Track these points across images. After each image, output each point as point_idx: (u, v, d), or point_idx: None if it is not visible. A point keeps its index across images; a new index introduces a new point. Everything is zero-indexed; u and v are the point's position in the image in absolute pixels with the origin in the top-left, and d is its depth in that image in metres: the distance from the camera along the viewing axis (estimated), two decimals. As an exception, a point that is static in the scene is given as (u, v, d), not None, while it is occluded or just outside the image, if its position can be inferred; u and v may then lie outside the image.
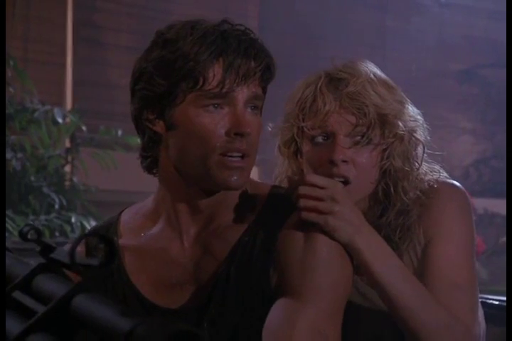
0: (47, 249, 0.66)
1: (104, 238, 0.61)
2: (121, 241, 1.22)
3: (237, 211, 1.19)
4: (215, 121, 1.12)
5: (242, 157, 1.13)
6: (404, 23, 7.41)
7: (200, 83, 1.11)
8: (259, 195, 1.20)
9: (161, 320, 0.52)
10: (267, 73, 1.15)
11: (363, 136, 1.33)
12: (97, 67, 5.71)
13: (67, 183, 3.98)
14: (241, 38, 1.13)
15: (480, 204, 5.82)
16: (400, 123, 1.35)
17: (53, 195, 3.77)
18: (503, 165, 8.11)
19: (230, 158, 1.12)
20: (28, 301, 0.63)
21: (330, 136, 1.33)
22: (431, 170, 1.39)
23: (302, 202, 1.14)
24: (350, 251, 1.15)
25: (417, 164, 1.37)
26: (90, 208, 3.95)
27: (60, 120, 3.85)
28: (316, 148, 1.34)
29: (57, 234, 3.66)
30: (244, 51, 1.12)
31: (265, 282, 1.11)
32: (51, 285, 0.63)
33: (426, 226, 1.33)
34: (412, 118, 1.37)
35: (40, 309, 0.60)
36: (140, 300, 1.17)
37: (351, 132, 1.32)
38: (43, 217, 3.67)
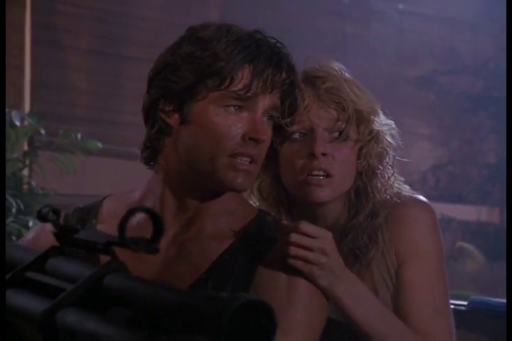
0: (64, 232, 0.65)
1: (152, 213, 0.60)
2: (99, 227, 1.22)
3: (221, 224, 1.19)
4: (232, 123, 1.14)
5: (250, 162, 1.14)
6: (364, 29, 7.48)
7: (227, 83, 1.13)
8: (246, 215, 1.20)
9: (216, 292, 0.52)
10: (290, 88, 1.18)
11: (341, 133, 1.34)
12: (56, 70, 5.66)
13: (24, 187, 3.94)
14: (274, 50, 1.16)
15: (437, 209, 5.87)
16: (376, 120, 1.37)
17: (11, 199, 3.72)
18: (459, 170, 8.23)
19: (238, 161, 1.13)
20: (50, 280, 0.62)
21: (308, 132, 1.33)
22: (398, 183, 1.40)
23: (292, 251, 1.14)
24: (329, 296, 1.17)
25: (390, 167, 1.39)
26: (48, 212, 3.90)
27: (17, 123, 3.80)
28: (294, 145, 1.34)
29: (14, 238, 3.62)
30: (276, 62, 1.15)
31: None
32: (72, 266, 0.62)
33: (398, 247, 1.34)
34: (383, 122, 1.40)
35: (68, 286, 0.59)
36: None
37: (331, 127, 1.33)
38: (-1, 221, 3.62)
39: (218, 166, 1.13)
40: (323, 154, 1.32)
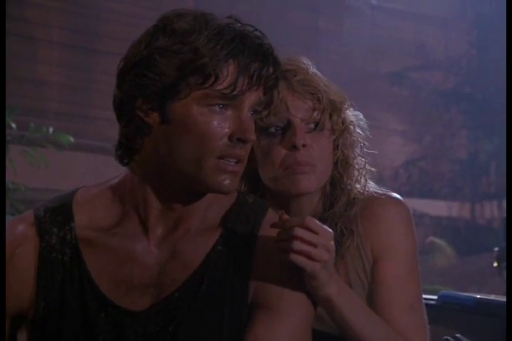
0: None
1: None
2: (80, 232, 1.15)
3: (206, 216, 1.16)
4: (218, 123, 1.08)
5: (237, 162, 1.11)
6: (337, 25, 7.50)
7: (211, 81, 1.07)
8: (227, 201, 1.17)
9: None
10: (275, 81, 1.14)
11: (317, 124, 1.34)
12: (27, 63, 5.60)
13: (-5, 181, 3.90)
14: (257, 42, 1.10)
15: (408, 204, 5.94)
16: (347, 109, 1.38)
17: (-20, 193, 3.68)
18: (430, 166, 8.30)
19: (226, 162, 1.10)
20: None
21: (286, 124, 1.33)
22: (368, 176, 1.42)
23: (297, 245, 1.10)
24: (321, 297, 1.17)
25: (361, 157, 1.40)
26: (19, 207, 3.87)
27: (-12, 116, 3.76)
28: (271, 139, 1.32)
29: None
30: (262, 56, 1.09)
31: (238, 292, 1.12)
32: None
33: (374, 244, 1.35)
34: (352, 113, 1.41)
35: None
36: (97, 296, 1.13)
37: (308, 118, 1.33)
38: (-31, 216, 3.58)
39: (205, 169, 1.09)
40: (304, 145, 1.31)
